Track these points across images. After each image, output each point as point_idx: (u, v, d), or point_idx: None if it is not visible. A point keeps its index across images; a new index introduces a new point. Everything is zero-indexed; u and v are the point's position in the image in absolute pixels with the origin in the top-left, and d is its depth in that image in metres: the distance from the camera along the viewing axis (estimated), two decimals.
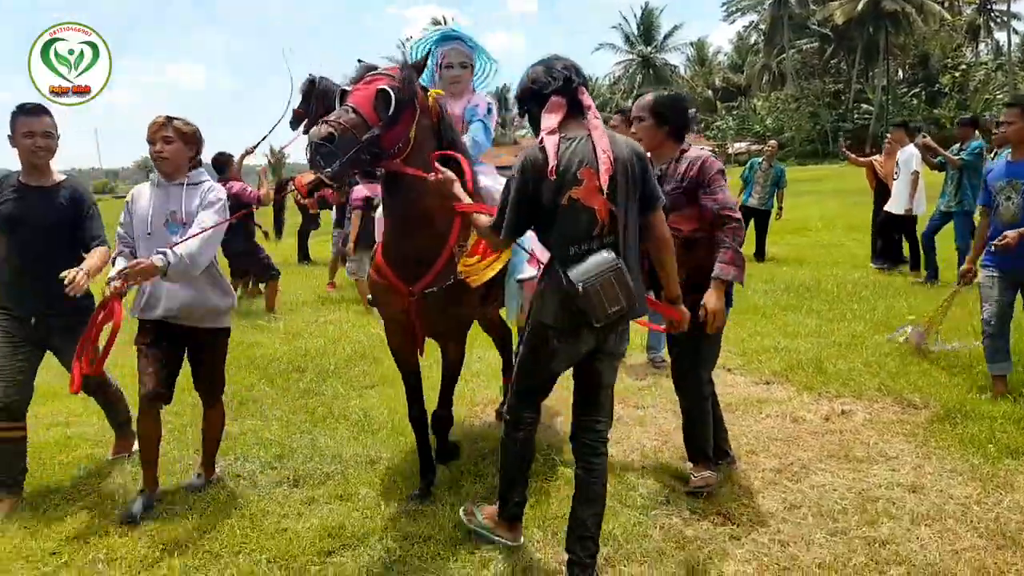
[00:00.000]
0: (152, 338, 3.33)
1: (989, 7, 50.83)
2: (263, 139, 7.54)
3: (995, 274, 4.31)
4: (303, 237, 12.49)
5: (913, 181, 8.17)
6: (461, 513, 3.12)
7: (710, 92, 63.11)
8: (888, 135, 9.18)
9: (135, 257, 3.16)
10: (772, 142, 10.79)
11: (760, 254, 10.11)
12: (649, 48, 64.63)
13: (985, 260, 4.40)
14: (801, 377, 4.88)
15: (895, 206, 8.37)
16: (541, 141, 2.49)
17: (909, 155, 8.27)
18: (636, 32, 65.10)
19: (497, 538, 2.95)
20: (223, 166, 7.84)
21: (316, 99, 8.92)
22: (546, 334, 2.60)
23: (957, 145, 7.87)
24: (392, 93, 2.78)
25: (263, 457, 4.05)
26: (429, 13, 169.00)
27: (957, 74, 45.08)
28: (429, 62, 3.62)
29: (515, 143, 69.98)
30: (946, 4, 47.82)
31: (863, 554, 2.82)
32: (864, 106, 48.55)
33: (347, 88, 2.94)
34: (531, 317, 2.70)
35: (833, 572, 2.72)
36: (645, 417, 4.37)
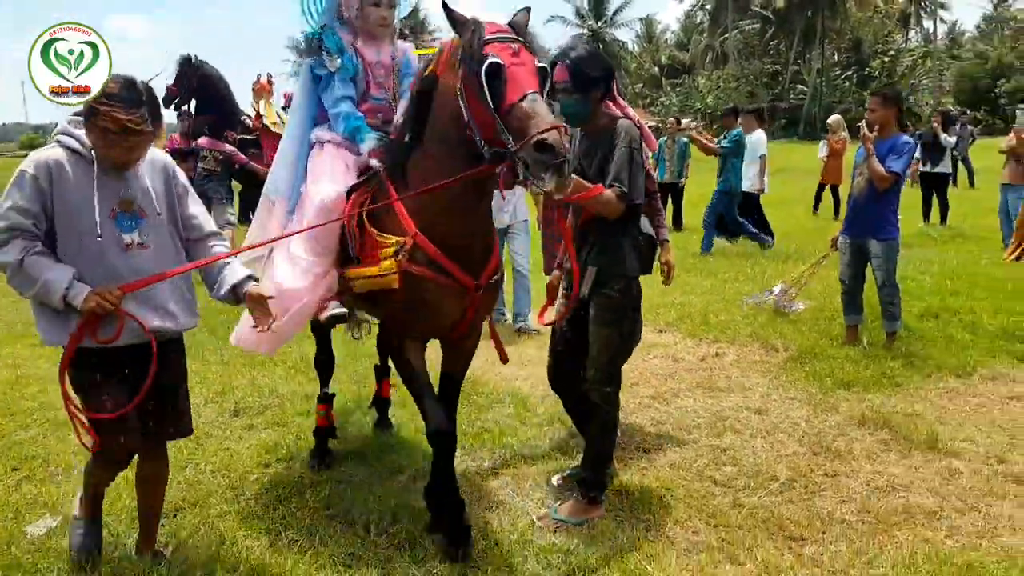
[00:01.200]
0: (119, 370, 2.39)
1: None
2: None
3: (847, 240, 5.05)
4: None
5: (760, 162, 9.07)
6: (539, 522, 2.95)
7: (656, 69, 64.02)
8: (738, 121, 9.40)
9: (54, 259, 2.26)
10: (671, 120, 11.99)
11: (678, 223, 10.85)
12: (599, 23, 65.06)
13: (842, 229, 5.12)
14: (688, 326, 5.59)
15: (745, 185, 9.10)
16: (637, 121, 2.89)
17: (756, 139, 9.13)
18: (587, 6, 65.42)
19: (590, 520, 2.94)
20: None
21: (190, 79, 9.32)
22: (631, 286, 2.93)
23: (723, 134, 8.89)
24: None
25: (205, 393, 4.49)
26: None
27: (887, 59, 46.97)
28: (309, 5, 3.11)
29: None
30: None
31: (707, 457, 3.49)
32: (800, 87, 50.18)
33: (498, 61, 2.26)
34: (611, 280, 2.86)
35: (680, 470, 3.38)
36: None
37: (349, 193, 2.91)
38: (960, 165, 15.68)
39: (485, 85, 2.25)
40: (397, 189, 2.68)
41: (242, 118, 9.65)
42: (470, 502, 2.97)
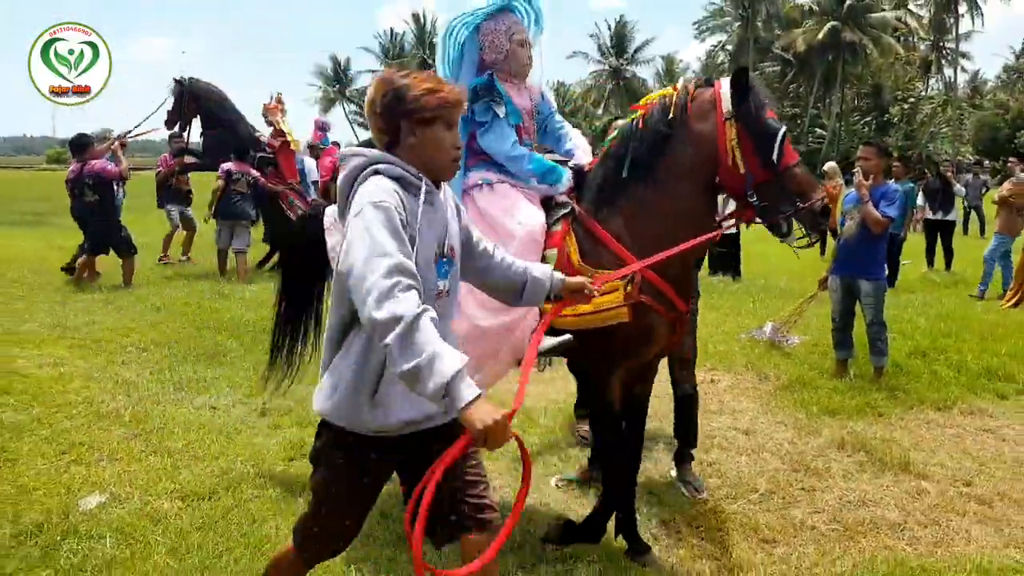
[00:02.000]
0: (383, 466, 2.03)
1: (941, 45, 53.49)
2: (128, 133, 9.23)
3: (838, 280, 5.37)
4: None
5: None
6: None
7: None
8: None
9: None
10: None
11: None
12: (620, 60, 66.21)
13: (832, 269, 5.45)
14: None
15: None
16: None
17: None
18: (609, 43, 66.66)
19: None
20: (82, 148, 8.21)
21: (187, 101, 9.50)
22: None
23: None
24: None
25: (234, 395, 4.87)
26: (407, 4, 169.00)
27: (906, 106, 47.42)
28: (464, 41, 2.97)
29: None
30: (901, 40, 50.23)
31: (694, 469, 3.79)
32: (819, 131, 50.68)
33: (784, 129, 2.64)
34: None
35: (668, 479, 3.69)
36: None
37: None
38: (973, 214, 15.98)
39: (776, 147, 2.59)
40: (603, 223, 2.76)
41: (257, 135, 10.23)
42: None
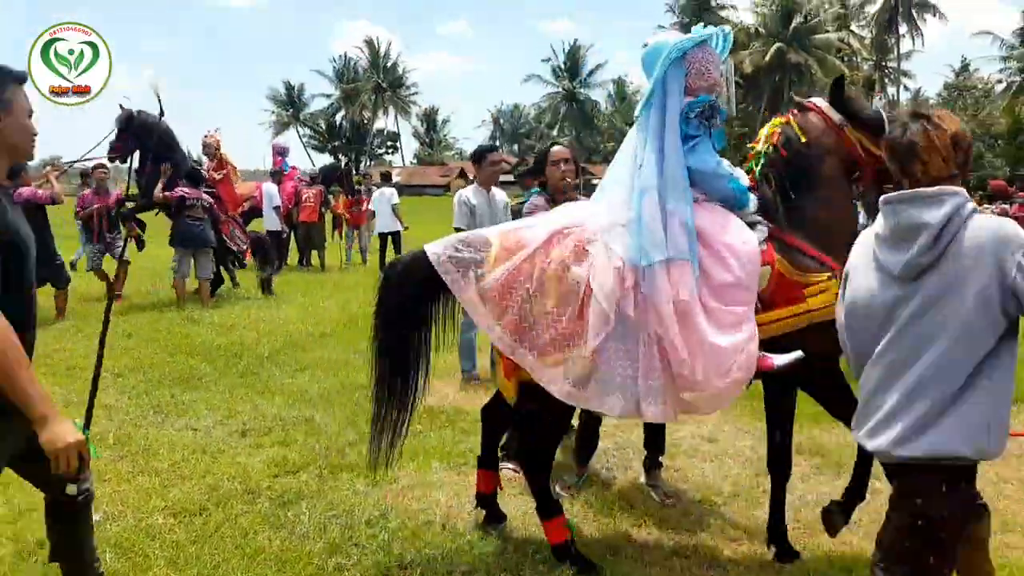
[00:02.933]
0: None
1: (884, 64, 55.87)
2: (71, 164, 9.25)
3: None
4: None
5: None
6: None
7: (628, 127, 66.15)
8: None
9: None
10: None
11: None
12: (573, 83, 67.49)
13: None
14: None
15: None
16: None
17: None
18: (563, 66, 67.92)
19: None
20: (15, 174, 7.98)
21: (132, 133, 8.85)
22: None
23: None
24: None
25: (213, 417, 4.94)
26: (360, 30, 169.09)
27: None
28: (670, 65, 2.97)
29: (443, 164, 71.19)
30: (845, 60, 52.34)
31: (663, 476, 4.03)
32: None
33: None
34: None
35: (637, 485, 3.92)
36: None
37: None
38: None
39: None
40: (791, 234, 3.06)
41: (195, 167, 9.90)
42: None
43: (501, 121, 79.13)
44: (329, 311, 8.97)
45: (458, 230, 5.66)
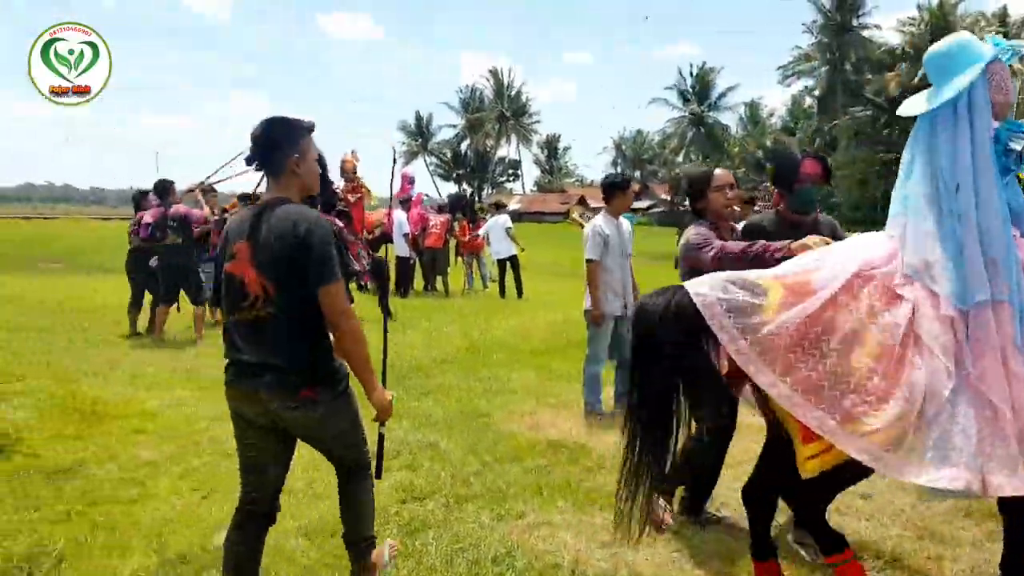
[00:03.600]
0: None
1: None
2: (208, 179, 9.06)
3: None
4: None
5: None
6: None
7: (760, 152, 63.89)
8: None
9: None
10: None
11: None
12: (702, 107, 66.00)
13: None
14: None
15: None
16: None
17: None
18: (691, 90, 66.58)
19: None
20: (165, 191, 8.62)
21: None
22: None
23: None
24: None
25: None
26: (481, 61, 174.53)
27: None
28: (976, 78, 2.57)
29: (562, 191, 71.62)
30: None
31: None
32: None
33: None
34: None
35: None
36: None
37: None
38: None
39: None
40: None
41: (333, 192, 10.22)
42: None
43: (623, 147, 78.82)
44: (451, 337, 9.11)
45: (590, 261, 5.62)
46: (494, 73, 73.42)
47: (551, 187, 75.94)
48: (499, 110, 71.55)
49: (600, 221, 5.60)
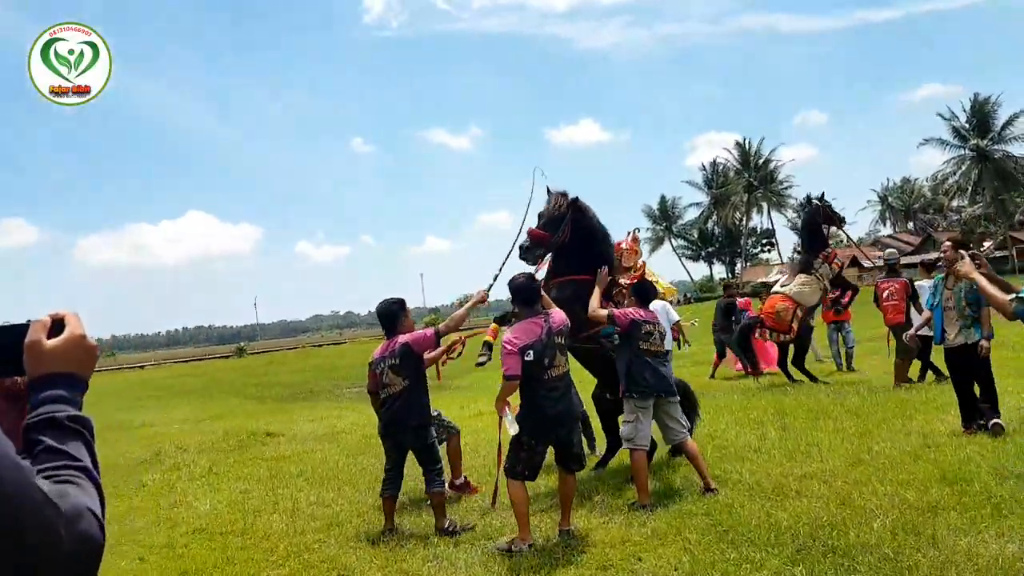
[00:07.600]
0: None
1: None
2: (494, 281, 5.84)
3: None
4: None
5: None
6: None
7: None
8: None
9: None
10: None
11: None
12: (985, 140, 57.46)
13: None
14: None
15: None
16: None
17: None
18: (968, 125, 58.47)
19: None
20: (392, 318, 5.39)
21: (568, 223, 5.69)
22: None
23: None
24: None
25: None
26: (713, 140, 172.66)
27: None
28: None
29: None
30: None
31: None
32: None
33: None
34: None
35: None
36: None
37: None
38: None
39: None
40: None
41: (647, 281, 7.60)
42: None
43: (889, 199, 71.25)
44: None
45: None
46: (739, 145, 71.98)
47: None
48: (747, 180, 69.67)
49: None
